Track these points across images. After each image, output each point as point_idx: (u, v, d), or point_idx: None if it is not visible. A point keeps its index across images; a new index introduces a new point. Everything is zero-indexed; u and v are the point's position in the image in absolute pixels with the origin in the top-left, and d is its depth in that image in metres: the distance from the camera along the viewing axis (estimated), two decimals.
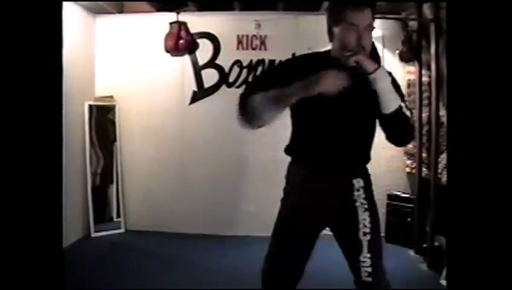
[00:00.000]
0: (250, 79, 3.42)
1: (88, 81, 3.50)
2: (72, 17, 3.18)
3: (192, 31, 3.31)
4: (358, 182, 1.59)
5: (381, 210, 3.38)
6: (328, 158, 1.55)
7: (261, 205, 3.43)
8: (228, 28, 3.48)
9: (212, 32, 3.48)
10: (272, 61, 3.45)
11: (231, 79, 3.49)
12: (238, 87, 3.44)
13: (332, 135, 1.53)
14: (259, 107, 1.43)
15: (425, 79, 3.05)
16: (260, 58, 3.46)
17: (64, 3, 1.46)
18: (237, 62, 3.48)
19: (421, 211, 3.07)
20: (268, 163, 3.51)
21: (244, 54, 3.44)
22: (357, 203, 1.56)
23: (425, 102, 3.06)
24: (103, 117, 3.52)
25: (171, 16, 3.27)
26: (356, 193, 1.57)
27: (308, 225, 1.63)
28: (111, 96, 3.56)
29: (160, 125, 3.57)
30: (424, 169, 3.09)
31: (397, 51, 3.23)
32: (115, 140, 3.56)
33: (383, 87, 1.40)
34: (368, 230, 1.51)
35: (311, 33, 3.46)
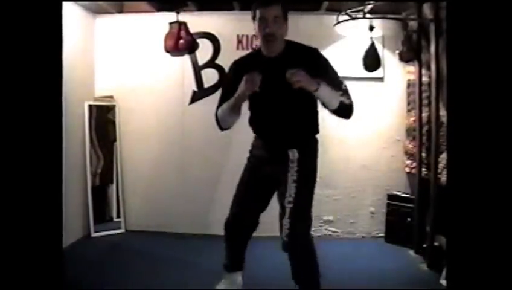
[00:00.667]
0: None
1: (88, 81, 3.50)
2: (72, 17, 3.18)
3: (192, 31, 3.31)
4: (293, 153, 1.88)
5: (381, 210, 3.42)
6: (269, 132, 1.98)
7: None
8: (228, 28, 3.48)
9: (212, 32, 3.48)
10: None
11: None
12: None
13: (269, 114, 1.93)
14: (222, 117, 1.97)
15: (425, 79, 3.05)
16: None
17: (64, 3, 1.46)
18: None
19: (421, 211, 3.07)
20: None
21: (244, 54, 3.44)
22: (289, 174, 1.86)
23: (425, 102, 3.06)
24: (103, 117, 3.52)
25: (171, 16, 3.27)
26: (290, 164, 1.87)
27: (259, 183, 2.03)
28: (111, 96, 3.56)
29: (160, 125, 3.57)
30: (423, 169, 3.09)
31: (397, 51, 3.23)
32: (115, 140, 3.56)
33: (325, 96, 1.81)
34: (291, 199, 1.83)
35: (311, 33, 3.46)
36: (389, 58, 3.43)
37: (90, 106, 3.42)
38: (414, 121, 3.23)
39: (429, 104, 3.00)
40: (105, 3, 3.38)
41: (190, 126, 3.56)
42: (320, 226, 3.50)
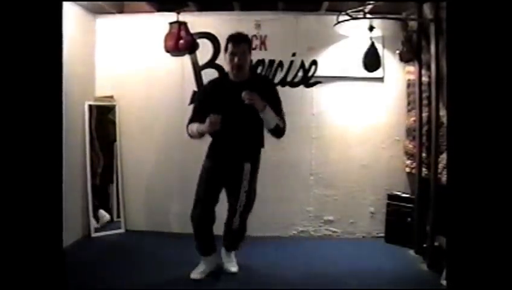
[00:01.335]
0: None
1: (88, 81, 3.50)
2: (72, 17, 3.18)
3: (192, 31, 3.31)
4: (246, 166, 2.44)
5: (381, 210, 3.43)
6: (230, 144, 2.45)
7: (261, 205, 3.42)
8: (228, 28, 3.46)
9: (212, 32, 3.48)
10: (271, 61, 3.45)
11: None
12: None
13: (232, 128, 2.35)
14: (191, 134, 2.50)
15: (425, 79, 3.05)
16: (260, 58, 3.46)
17: (64, 3, 1.46)
18: None
19: (421, 211, 3.07)
20: (268, 163, 3.50)
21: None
22: (242, 184, 2.43)
23: (425, 102, 3.06)
24: (103, 117, 3.52)
25: (171, 16, 3.27)
26: (244, 175, 2.43)
27: (212, 185, 2.53)
28: (111, 96, 3.56)
29: (160, 125, 3.57)
30: (423, 169, 3.09)
31: (397, 51, 3.23)
32: (115, 140, 3.56)
33: (268, 117, 2.35)
34: (242, 204, 2.47)
35: (311, 33, 3.47)
36: (389, 58, 3.43)
37: (90, 106, 3.42)
38: (414, 121, 3.23)
39: (429, 104, 3.00)
40: (105, 3, 3.38)
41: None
42: (320, 226, 3.50)
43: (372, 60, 3.20)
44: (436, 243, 2.77)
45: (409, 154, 3.35)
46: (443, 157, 2.76)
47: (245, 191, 2.45)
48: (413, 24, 3.17)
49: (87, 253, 3.03)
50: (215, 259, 2.69)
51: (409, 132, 3.34)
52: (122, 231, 3.51)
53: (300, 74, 3.46)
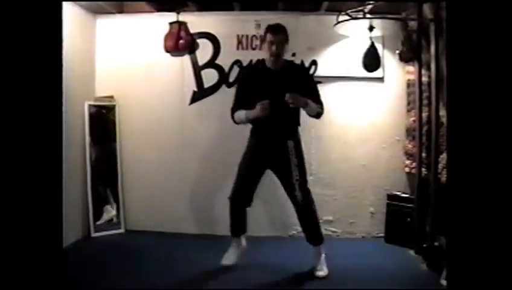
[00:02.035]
0: None
1: (88, 81, 3.50)
2: (72, 17, 3.18)
3: (192, 31, 3.31)
4: (290, 143, 2.58)
5: (381, 210, 3.43)
6: (271, 127, 2.56)
7: (261, 205, 3.43)
8: (228, 28, 3.48)
9: (212, 32, 3.48)
10: None
11: (231, 79, 3.48)
12: None
13: (270, 119, 2.47)
14: (238, 121, 2.63)
15: (425, 79, 3.05)
16: (260, 58, 3.45)
17: (64, 3, 1.46)
18: (237, 62, 3.47)
19: (421, 211, 3.06)
20: None
21: (244, 54, 3.44)
22: (291, 160, 2.56)
23: (425, 102, 3.06)
24: (103, 117, 3.52)
25: (171, 16, 3.27)
26: (290, 151, 2.57)
27: (257, 167, 2.65)
28: (111, 96, 3.56)
29: (160, 125, 3.56)
30: (423, 169, 3.09)
31: (397, 51, 3.23)
32: (115, 140, 3.56)
33: (310, 111, 2.56)
34: (297, 178, 2.57)
35: (311, 33, 3.47)
36: (389, 58, 3.43)
37: (90, 106, 3.42)
38: (414, 121, 3.23)
39: (429, 104, 3.00)
40: (105, 3, 3.38)
41: (190, 126, 3.56)
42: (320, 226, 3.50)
43: (372, 60, 3.20)
44: (436, 243, 2.77)
45: (409, 154, 3.35)
46: (443, 157, 2.76)
47: (296, 165, 2.56)
48: (413, 24, 3.17)
49: (87, 253, 3.03)
50: (243, 243, 2.79)
51: (409, 131, 3.34)
52: (122, 231, 3.51)
53: None
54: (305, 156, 3.48)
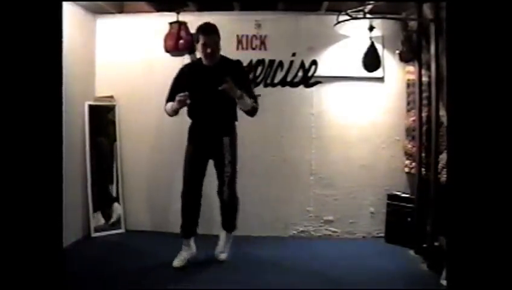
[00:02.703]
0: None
1: (88, 81, 3.50)
2: (72, 17, 3.18)
3: (192, 31, 3.31)
4: (226, 140, 2.66)
5: (382, 210, 3.42)
6: (207, 122, 2.69)
7: (261, 205, 3.43)
8: (228, 28, 3.47)
9: None
10: (271, 61, 3.46)
11: None
12: None
13: (207, 108, 2.64)
14: (167, 113, 2.77)
15: (425, 79, 3.05)
16: (260, 58, 3.46)
17: (64, 3, 1.46)
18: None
19: (421, 211, 3.06)
20: (268, 163, 3.51)
21: (244, 54, 3.44)
22: (225, 156, 2.66)
23: (425, 102, 3.06)
24: (103, 117, 3.52)
25: (171, 16, 3.27)
26: (224, 147, 2.66)
27: (197, 162, 2.75)
28: (111, 96, 3.56)
29: (160, 125, 3.56)
30: (423, 169, 3.09)
31: (397, 51, 3.23)
32: (115, 140, 3.56)
33: (244, 103, 2.60)
34: (228, 174, 2.69)
35: (311, 33, 3.47)
36: (389, 58, 3.43)
37: (90, 106, 3.42)
38: (414, 121, 3.23)
39: (429, 104, 3.00)
40: (105, 3, 3.38)
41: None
42: (321, 226, 3.50)
43: (372, 60, 3.20)
44: (436, 243, 2.77)
45: (408, 154, 3.35)
46: (443, 157, 2.76)
47: (229, 162, 2.66)
48: (413, 24, 3.17)
49: (87, 253, 3.03)
50: (194, 246, 2.87)
51: (408, 131, 3.34)
52: (122, 231, 3.51)
53: (300, 73, 3.46)
54: (305, 156, 3.52)
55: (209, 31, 2.58)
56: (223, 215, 2.91)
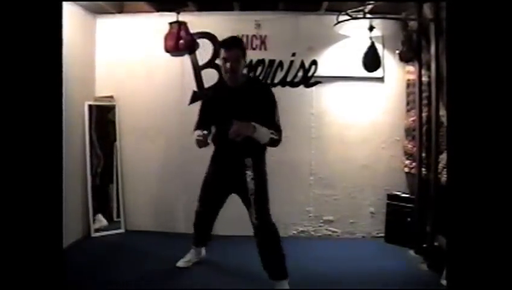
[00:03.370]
0: None
1: (88, 81, 3.50)
2: (72, 17, 3.18)
3: (192, 31, 3.31)
4: (248, 161, 2.38)
5: (381, 210, 3.42)
6: (230, 146, 2.32)
7: None
8: (228, 28, 3.47)
9: (212, 32, 3.48)
10: (271, 61, 3.46)
11: None
12: None
13: (229, 142, 2.24)
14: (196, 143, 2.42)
15: (425, 79, 3.05)
16: (260, 58, 3.46)
17: (64, 3, 1.46)
18: None
19: (421, 211, 3.07)
20: (268, 163, 3.50)
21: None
22: (247, 175, 2.37)
23: (425, 102, 3.06)
24: (103, 117, 3.52)
25: (171, 16, 3.27)
26: (247, 167, 2.38)
27: (218, 187, 2.54)
28: (111, 96, 3.57)
29: (160, 125, 3.57)
30: (423, 169, 3.09)
31: (397, 51, 3.23)
32: (115, 140, 3.56)
33: (260, 136, 2.25)
34: (252, 192, 2.36)
35: (311, 33, 3.47)
36: (389, 58, 3.43)
37: (90, 106, 3.42)
38: (413, 121, 3.23)
39: (429, 104, 3.00)
40: (105, 3, 3.38)
41: (190, 126, 3.55)
42: (320, 226, 3.50)
43: (372, 60, 3.20)
44: (436, 243, 2.77)
45: (408, 154, 3.35)
46: (443, 157, 2.76)
47: (252, 178, 2.35)
48: (413, 24, 3.17)
49: (87, 253, 3.03)
50: (202, 251, 2.88)
51: (408, 131, 3.34)
52: (122, 231, 3.51)
53: (300, 73, 3.46)
54: (305, 156, 3.52)
55: (230, 44, 2.30)
56: (261, 255, 2.40)
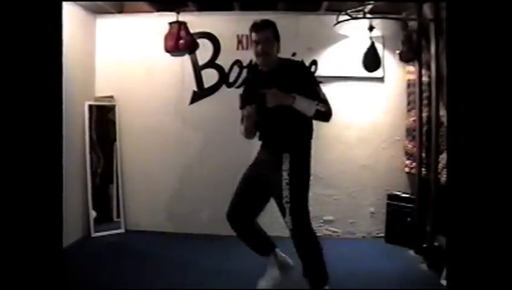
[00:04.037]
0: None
1: (88, 81, 3.50)
2: (72, 17, 3.18)
3: (192, 31, 3.31)
4: (285, 156, 2.13)
5: (382, 210, 3.42)
6: (267, 137, 2.27)
7: None
8: (228, 28, 3.48)
9: (212, 32, 3.48)
10: None
11: (231, 79, 3.49)
12: (238, 87, 3.44)
13: (267, 121, 2.18)
14: (244, 136, 2.32)
15: (425, 79, 3.05)
16: None
17: (64, 3, 1.46)
18: (237, 62, 3.48)
19: (421, 211, 3.07)
20: None
21: (244, 54, 3.44)
22: (283, 178, 2.11)
23: (425, 102, 3.06)
24: (103, 117, 3.52)
25: (171, 16, 3.27)
26: (283, 166, 2.12)
27: (255, 186, 2.29)
28: (111, 96, 3.57)
29: (160, 125, 3.56)
30: (423, 169, 3.09)
31: (397, 51, 3.23)
32: (115, 140, 3.56)
33: (302, 107, 2.08)
34: (288, 200, 2.10)
35: (311, 33, 3.47)
36: (389, 58, 3.43)
37: (90, 106, 3.42)
38: (414, 121, 3.23)
39: (429, 104, 3.00)
40: (105, 3, 3.38)
41: (190, 126, 3.56)
42: (320, 226, 3.50)
43: (372, 60, 3.20)
44: (436, 243, 2.77)
45: (409, 154, 3.35)
46: (443, 157, 2.76)
47: (287, 183, 2.08)
48: (413, 24, 3.17)
49: (87, 253, 3.03)
50: (283, 257, 2.44)
51: (409, 131, 3.34)
52: (122, 231, 3.51)
53: None
54: None
55: (259, 27, 2.17)
56: (301, 259, 2.24)
